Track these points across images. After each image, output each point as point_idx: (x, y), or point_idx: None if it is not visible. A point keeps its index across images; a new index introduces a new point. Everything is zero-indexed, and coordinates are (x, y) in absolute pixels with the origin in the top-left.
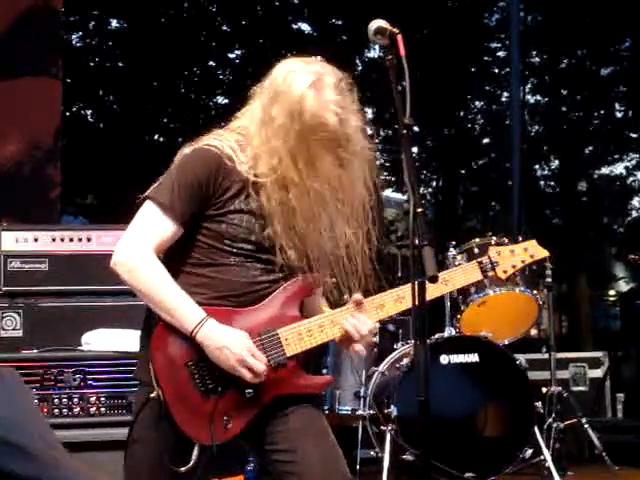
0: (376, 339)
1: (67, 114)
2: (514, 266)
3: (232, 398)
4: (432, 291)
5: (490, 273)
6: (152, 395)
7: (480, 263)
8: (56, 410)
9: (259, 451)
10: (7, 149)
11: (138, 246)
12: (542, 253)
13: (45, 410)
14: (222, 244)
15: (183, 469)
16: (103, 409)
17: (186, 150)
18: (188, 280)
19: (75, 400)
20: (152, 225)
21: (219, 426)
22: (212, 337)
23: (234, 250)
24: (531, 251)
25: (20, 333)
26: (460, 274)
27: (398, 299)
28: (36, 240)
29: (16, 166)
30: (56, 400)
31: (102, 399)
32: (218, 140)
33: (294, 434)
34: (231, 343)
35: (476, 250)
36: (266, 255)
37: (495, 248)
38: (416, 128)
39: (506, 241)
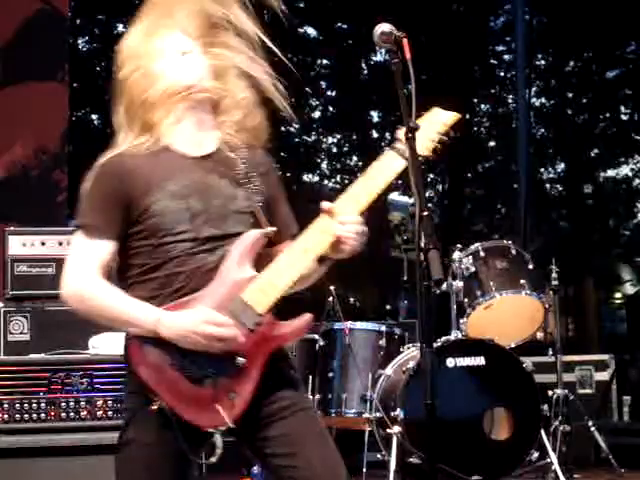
0: (382, 342)
1: (74, 119)
2: (431, 138)
3: (227, 375)
4: (365, 196)
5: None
6: (154, 407)
7: (396, 150)
8: (63, 414)
9: (260, 457)
10: (14, 153)
11: (79, 275)
12: (451, 116)
13: (52, 414)
14: (160, 239)
15: (214, 459)
16: (110, 412)
17: (92, 170)
18: (144, 287)
19: (82, 404)
20: (85, 250)
21: (227, 406)
22: (173, 328)
23: (172, 240)
24: (440, 119)
25: (27, 337)
26: (382, 167)
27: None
28: (43, 244)
29: (23, 170)
30: (63, 404)
31: (109, 402)
32: (115, 149)
33: (294, 438)
34: (191, 324)
35: (482, 253)
36: (204, 233)
37: (403, 131)
38: None
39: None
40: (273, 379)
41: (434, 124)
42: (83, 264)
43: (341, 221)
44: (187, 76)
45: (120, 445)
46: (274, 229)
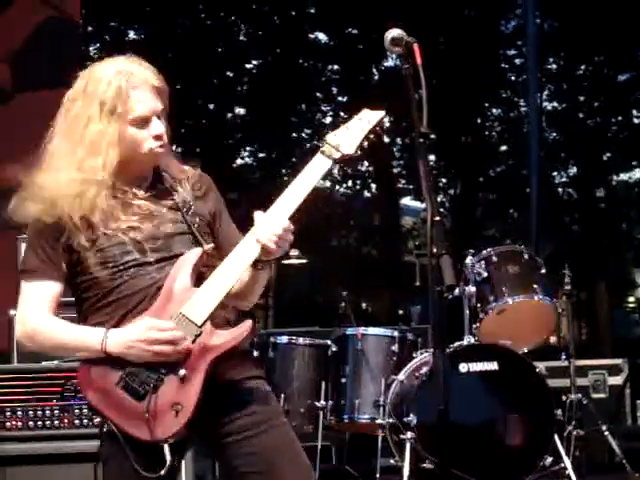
0: (395, 348)
1: None
2: (357, 137)
3: (169, 388)
4: (294, 200)
5: (337, 155)
6: (105, 429)
7: (323, 152)
8: (77, 421)
9: (235, 475)
10: (27, 160)
11: (26, 315)
12: (377, 115)
13: (66, 420)
14: (109, 269)
15: (163, 471)
16: None
17: None
18: (99, 314)
19: None
20: (32, 294)
21: (170, 417)
22: (119, 342)
23: (121, 267)
24: (367, 118)
25: None
26: (311, 170)
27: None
28: None
29: None
30: (77, 411)
31: None
32: None
33: (268, 455)
34: (134, 334)
35: (494, 258)
36: (151, 257)
37: (331, 134)
38: (433, 136)
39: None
40: (242, 394)
41: (361, 123)
42: (28, 307)
43: (262, 227)
44: (160, 153)
45: (100, 461)
46: (212, 246)
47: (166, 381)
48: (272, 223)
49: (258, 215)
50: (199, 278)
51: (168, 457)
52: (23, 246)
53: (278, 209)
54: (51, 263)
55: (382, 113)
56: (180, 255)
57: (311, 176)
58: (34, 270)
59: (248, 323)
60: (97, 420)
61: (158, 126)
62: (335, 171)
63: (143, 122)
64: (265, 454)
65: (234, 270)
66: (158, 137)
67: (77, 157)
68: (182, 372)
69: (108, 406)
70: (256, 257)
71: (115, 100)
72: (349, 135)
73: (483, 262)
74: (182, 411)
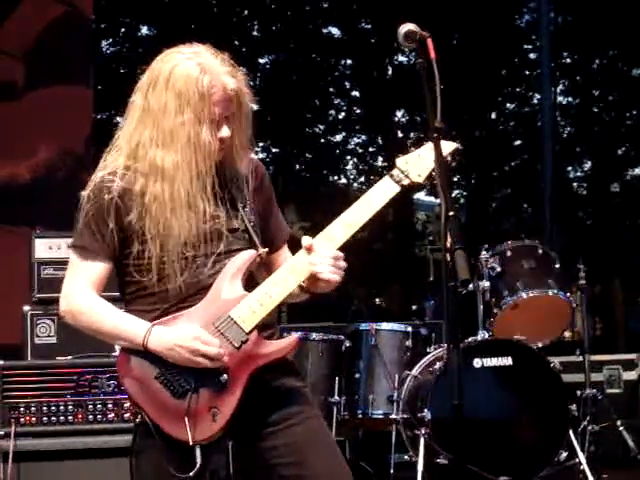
0: (409, 343)
1: (98, 120)
2: (427, 167)
3: (209, 391)
4: (354, 224)
5: (405, 182)
6: (137, 420)
7: (392, 176)
8: (90, 416)
9: (267, 468)
10: (39, 156)
11: (73, 293)
12: (450, 146)
13: (79, 416)
14: (157, 258)
15: (192, 473)
16: None
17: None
18: (143, 302)
19: (109, 406)
20: (79, 270)
21: (206, 420)
22: (161, 342)
23: (173, 257)
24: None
25: (54, 340)
26: (377, 193)
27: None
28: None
29: (48, 173)
30: (90, 406)
31: None
32: (106, 170)
33: (299, 446)
34: (179, 339)
35: (509, 253)
36: (201, 252)
37: (402, 158)
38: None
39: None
40: (275, 390)
41: (432, 153)
42: (75, 282)
43: (315, 257)
44: (218, 154)
45: (131, 455)
46: (266, 250)
47: (207, 383)
48: (326, 252)
49: (307, 243)
50: (249, 279)
51: (199, 459)
52: (37, 242)
53: (336, 230)
54: (104, 243)
55: (455, 145)
56: (233, 253)
57: (376, 200)
58: (87, 247)
59: (295, 336)
60: (111, 416)
61: (225, 130)
62: (349, 166)
63: (214, 123)
64: (299, 445)
65: (288, 284)
66: (222, 140)
67: (160, 150)
68: (224, 377)
69: (144, 397)
70: (305, 282)
71: (198, 100)
72: (420, 163)
73: (497, 257)
74: (219, 416)
